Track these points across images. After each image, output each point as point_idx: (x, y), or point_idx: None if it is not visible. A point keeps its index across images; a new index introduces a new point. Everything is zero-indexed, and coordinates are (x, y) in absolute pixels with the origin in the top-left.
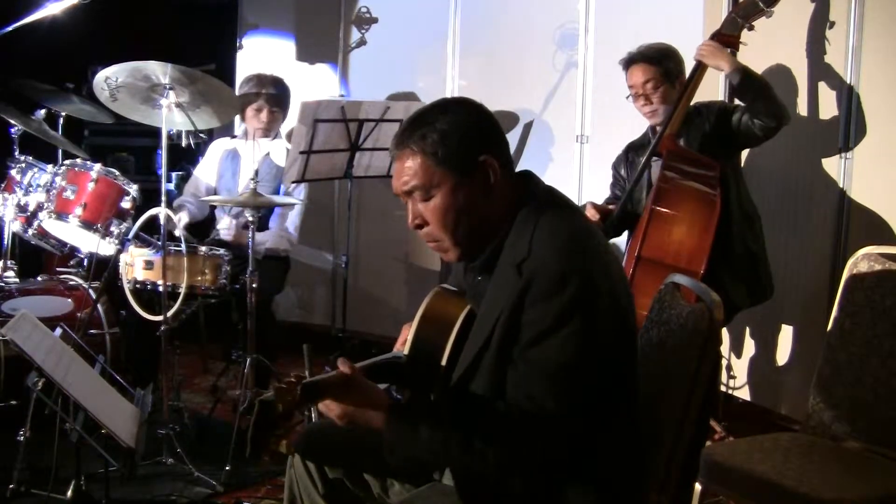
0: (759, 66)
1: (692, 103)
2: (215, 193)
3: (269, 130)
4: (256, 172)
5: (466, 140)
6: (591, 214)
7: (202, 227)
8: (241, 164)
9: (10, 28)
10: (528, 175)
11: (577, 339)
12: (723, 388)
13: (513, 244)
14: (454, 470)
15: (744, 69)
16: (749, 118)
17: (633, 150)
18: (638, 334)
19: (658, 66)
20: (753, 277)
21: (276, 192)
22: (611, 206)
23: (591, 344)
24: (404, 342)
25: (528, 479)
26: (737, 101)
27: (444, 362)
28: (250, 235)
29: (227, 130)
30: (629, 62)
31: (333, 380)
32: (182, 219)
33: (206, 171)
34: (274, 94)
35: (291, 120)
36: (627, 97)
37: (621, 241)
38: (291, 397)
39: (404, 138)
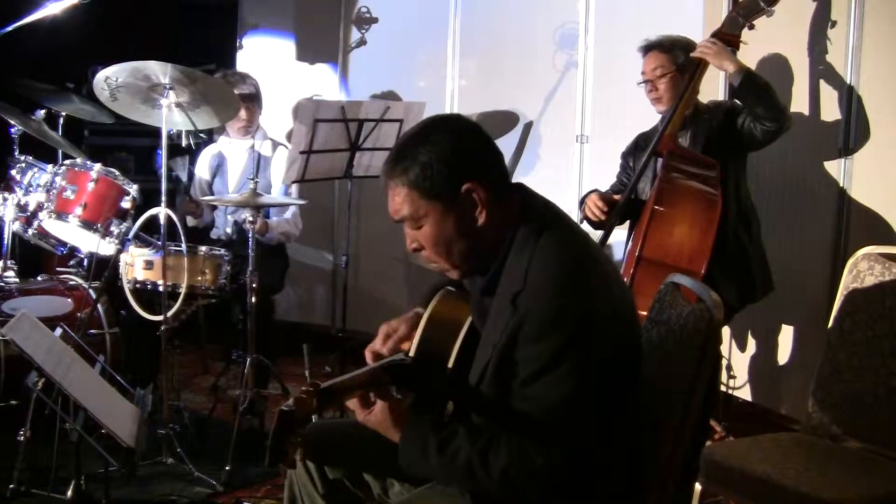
0: (759, 66)
1: (705, 102)
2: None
3: (251, 125)
4: (256, 171)
5: (448, 170)
6: (597, 205)
7: (204, 231)
8: (227, 165)
9: (10, 28)
10: (522, 189)
11: (573, 377)
12: (723, 388)
13: (511, 270)
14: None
15: (747, 71)
16: (751, 121)
17: (644, 140)
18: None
19: (668, 54)
20: (745, 278)
21: (268, 183)
22: (616, 196)
23: (588, 377)
24: (384, 339)
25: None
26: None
27: (450, 366)
28: (250, 235)
29: (217, 132)
30: (646, 49)
31: (356, 380)
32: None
33: (200, 180)
34: (247, 91)
35: (291, 120)
36: (639, 83)
37: (621, 240)
38: (310, 405)
39: (388, 170)
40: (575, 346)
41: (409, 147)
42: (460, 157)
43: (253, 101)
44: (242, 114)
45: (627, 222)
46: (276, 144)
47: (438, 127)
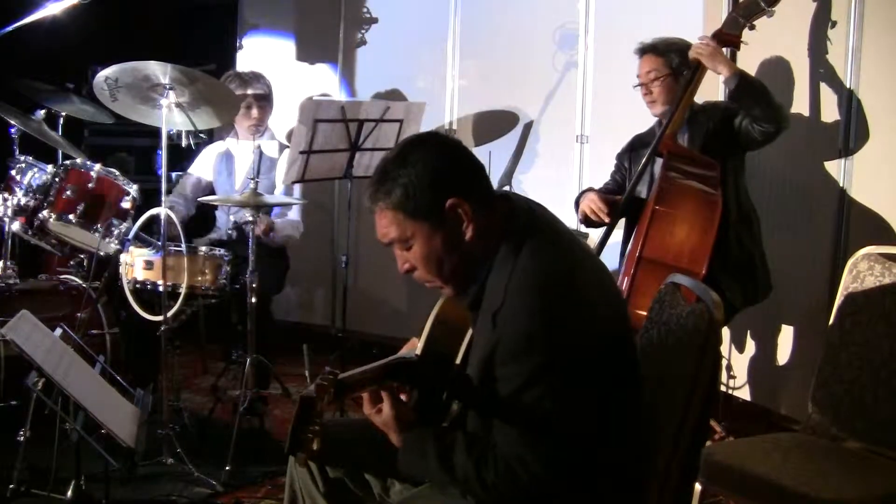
0: (759, 66)
1: (699, 102)
2: (212, 192)
3: (261, 125)
4: (257, 171)
5: (430, 189)
6: (599, 206)
7: (196, 228)
8: (235, 164)
9: (10, 28)
10: (508, 197)
11: (548, 397)
12: (723, 388)
13: (492, 287)
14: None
15: (741, 74)
16: (749, 123)
17: (639, 142)
18: (637, 339)
19: (663, 57)
20: (749, 279)
21: (272, 184)
22: (617, 197)
23: (565, 395)
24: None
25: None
26: None
27: (456, 367)
28: (250, 235)
29: (225, 131)
30: (641, 52)
31: (366, 375)
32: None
33: (200, 172)
34: (261, 91)
35: (291, 120)
36: (635, 87)
37: (619, 241)
38: (330, 393)
39: (372, 194)
40: (548, 369)
41: (390, 170)
42: (441, 174)
43: (266, 100)
44: (254, 112)
45: (623, 221)
46: (282, 147)
47: (416, 147)
